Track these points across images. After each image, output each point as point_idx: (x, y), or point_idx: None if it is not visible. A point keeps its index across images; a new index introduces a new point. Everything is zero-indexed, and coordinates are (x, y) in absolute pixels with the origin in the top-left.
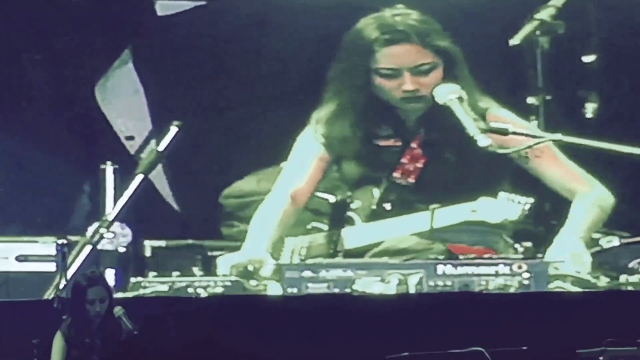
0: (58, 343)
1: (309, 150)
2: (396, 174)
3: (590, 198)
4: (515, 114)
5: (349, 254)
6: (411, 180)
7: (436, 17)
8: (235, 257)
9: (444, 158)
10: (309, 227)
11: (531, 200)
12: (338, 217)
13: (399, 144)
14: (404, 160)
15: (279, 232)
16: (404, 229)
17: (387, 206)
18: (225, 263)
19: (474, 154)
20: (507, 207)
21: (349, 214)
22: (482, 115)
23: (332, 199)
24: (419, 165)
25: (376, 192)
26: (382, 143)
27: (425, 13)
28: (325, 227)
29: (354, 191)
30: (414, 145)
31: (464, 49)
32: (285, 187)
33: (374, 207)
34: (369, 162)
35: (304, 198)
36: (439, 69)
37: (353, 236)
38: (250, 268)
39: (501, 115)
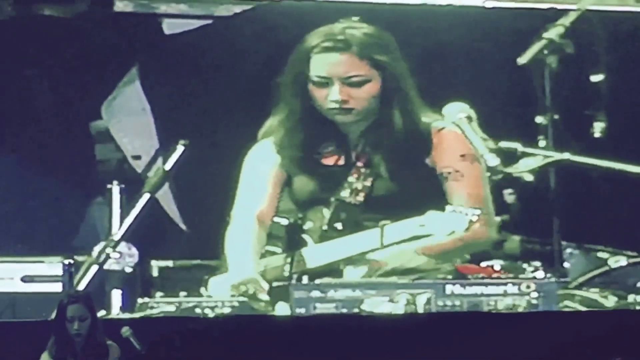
0: None
1: (263, 166)
2: (344, 194)
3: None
4: (524, 133)
5: (308, 273)
6: (360, 199)
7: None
8: (230, 279)
9: (392, 174)
10: (262, 251)
11: (478, 211)
12: (292, 239)
13: (342, 161)
14: (351, 179)
15: (256, 255)
16: (357, 246)
17: (339, 226)
18: (219, 284)
19: (423, 169)
20: (453, 219)
21: (303, 235)
22: (428, 131)
23: (284, 221)
24: (367, 183)
25: (326, 213)
26: (326, 159)
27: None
28: (279, 251)
29: (304, 212)
30: (359, 163)
31: (468, 68)
32: (250, 210)
33: (325, 227)
34: (318, 180)
35: (270, 218)
36: (374, 84)
37: (312, 256)
38: (251, 290)
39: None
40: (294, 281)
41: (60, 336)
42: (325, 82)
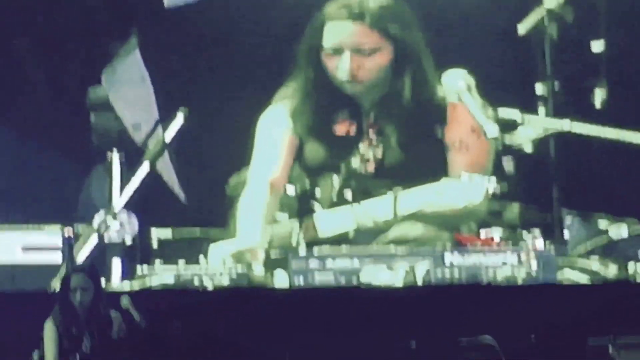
0: (50, 331)
1: (277, 133)
2: (355, 162)
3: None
4: (524, 102)
5: (312, 243)
6: (370, 168)
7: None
8: (230, 246)
9: (402, 145)
10: (271, 218)
11: (494, 180)
12: (301, 207)
13: (354, 130)
14: (362, 147)
15: (267, 222)
16: (369, 214)
17: (348, 194)
18: (219, 252)
19: (435, 141)
20: (470, 188)
21: (312, 202)
22: (443, 105)
23: (291, 189)
24: (378, 153)
25: (336, 180)
26: (338, 128)
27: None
28: (287, 218)
29: (314, 180)
30: (371, 133)
31: (469, 37)
32: (263, 177)
33: (334, 196)
34: (329, 148)
35: (283, 184)
36: (385, 54)
37: (324, 224)
38: (248, 258)
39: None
40: (303, 249)
41: (64, 306)
42: (337, 51)
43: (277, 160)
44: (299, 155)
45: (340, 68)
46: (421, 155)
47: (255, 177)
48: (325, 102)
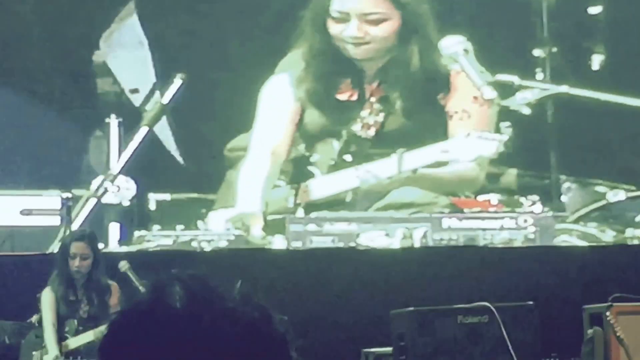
0: (47, 297)
1: (280, 102)
2: (356, 127)
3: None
4: (522, 67)
5: (311, 205)
6: (371, 132)
7: None
8: (229, 213)
9: (404, 111)
10: (271, 186)
11: (505, 136)
12: (297, 171)
13: (356, 96)
14: (363, 113)
15: (267, 189)
16: (375, 174)
17: (348, 158)
18: (219, 218)
19: (437, 108)
20: (480, 144)
21: (309, 168)
22: (446, 73)
23: (297, 151)
24: (379, 118)
25: (336, 145)
26: (340, 94)
27: None
28: (283, 184)
29: (313, 144)
30: (373, 98)
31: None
32: (265, 144)
33: (333, 160)
34: (330, 113)
35: (285, 152)
36: (392, 22)
37: (318, 187)
38: (246, 222)
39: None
40: (300, 213)
41: (62, 272)
42: (344, 18)
43: (280, 128)
44: (300, 121)
45: (346, 34)
46: (423, 122)
47: (257, 145)
48: (329, 68)
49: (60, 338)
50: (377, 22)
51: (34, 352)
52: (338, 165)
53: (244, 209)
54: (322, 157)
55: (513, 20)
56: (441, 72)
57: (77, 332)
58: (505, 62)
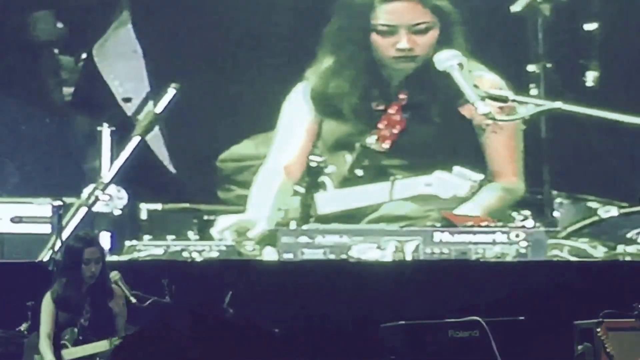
0: (48, 305)
1: (299, 115)
2: (370, 140)
3: (508, 186)
4: (516, 82)
5: (320, 219)
6: (386, 145)
7: None
8: (233, 218)
9: (425, 123)
10: (283, 201)
11: (481, 176)
12: (313, 181)
13: (382, 107)
14: (380, 125)
15: (277, 203)
16: (369, 197)
17: (359, 172)
18: (223, 223)
19: (455, 119)
20: (457, 182)
21: (322, 178)
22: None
23: (312, 162)
24: (395, 130)
25: (349, 158)
26: (372, 105)
27: None
28: (303, 190)
29: (329, 155)
30: (392, 110)
31: (463, 13)
32: (278, 158)
33: (346, 173)
34: (351, 124)
35: (298, 171)
36: (436, 30)
37: (325, 202)
38: (241, 229)
39: (493, 81)
40: (293, 224)
41: (75, 279)
42: (391, 30)
43: (296, 145)
44: (318, 135)
45: (397, 47)
46: (442, 134)
47: (272, 158)
48: (359, 81)
49: (59, 346)
50: (424, 32)
51: (35, 356)
52: (349, 178)
53: (246, 217)
54: (337, 169)
55: (508, 35)
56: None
57: (76, 342)
58: (499, 77)
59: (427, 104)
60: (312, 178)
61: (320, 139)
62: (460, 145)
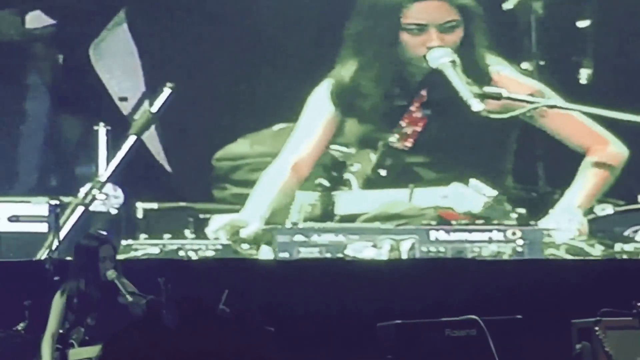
0: (59, 305)
1: (318, 113)
2: (392, 139)
3: (601, 158)
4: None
5: (343, 219)
6: (408, 144)
7: None
8: (227, 218)
9: (446, 120)
10: (316, 182)
11: (495, 192)
12: (337, 177)
13: (403, 103)
14: (402, 123)
15: (277, 202)
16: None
17: (383, 172)
18: (216, 222)
19: (475, 118)
20: (472, 197)
21: (347, 176)
22: (488, 76)
23: (339, 155)
24: (417, 129)
25: (373, 157)
26: (386, 104)
27: None
28: (328, 185)
29: (356, 152)
30: (413, 108)
31: (486, 11)
32: (288, 156)
33: (369, 172)
34: (373, 122)
35: (306, 171)
36: (461, 28)
37: (344, 203)
38: (234, 228)
39: (511, 77)
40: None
41: (93, 277)
42: (421, 29)
43: (309, 143)
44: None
45: (428, 45)
46: (463, 131)
47: (284, 154)
48: (383, 79)
49: (66, 345)
50: (452, 30)
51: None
52: (373, 178)
53: (239, 216)
54: (361, 166)
55: (501, 32)
56: (488, 76)
57: (82, 343)
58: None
59: (448, 101)
60: (338, 173)
61: (342, 136)
62: (483, 142)
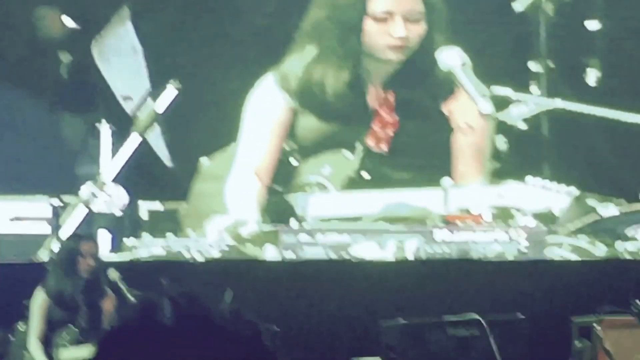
0: (38, 302)
1: (269, 110)
2: (369, 141)
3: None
4: (518, 81)
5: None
6: (384, 147)
7: None
8: (224, 221)
9: (417, 122)
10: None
11: (574, 189)
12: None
13: (370, 101)
14: (374, 126)
15: (260, 200)
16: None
17: (366, 175)
18: (215, 227)
19: (443, 118)
20: (546, 196)
21: (321, 180)
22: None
23: (294, 162)
24: (390, 132)
25: (350, 157)
26: (366, 98)
27: None
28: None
29: (322, 155)
30: (383, 111)
31: (450, 6)
32: (247, 165)
33: (352, 174)
34: (345, 120)
35: (269, 173)
36: (423, 22)
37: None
38: (238, 229)
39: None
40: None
41: (69, 272)
42: (387, 17)
43: (264, 145)
44: (300, 127)
45: (394, 34)
46: (435, 134)
47: (240, 164)
48: (345, 71)
49: (52, 345)
50: (417, 21)
51: (24, 352)
52: (355, 181)
53: (238, 217)
54: (335, 170)
55: (510, 33)
56: (447, 82)
57: (77, 343)
58: (501, 75)
59: (416, 102)
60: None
61: (297, 135)
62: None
